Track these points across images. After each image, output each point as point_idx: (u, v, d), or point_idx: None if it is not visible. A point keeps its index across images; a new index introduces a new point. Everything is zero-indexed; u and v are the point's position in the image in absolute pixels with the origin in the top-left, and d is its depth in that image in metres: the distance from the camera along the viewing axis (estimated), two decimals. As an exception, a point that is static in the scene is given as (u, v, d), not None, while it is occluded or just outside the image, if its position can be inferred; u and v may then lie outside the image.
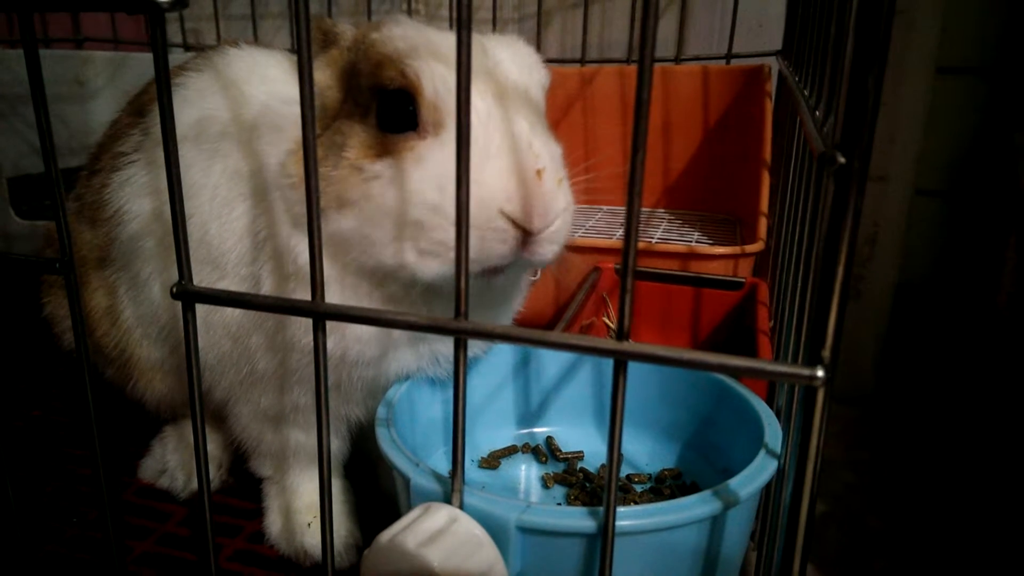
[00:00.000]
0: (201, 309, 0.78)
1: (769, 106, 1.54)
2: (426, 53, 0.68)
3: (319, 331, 0.57)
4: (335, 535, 0.85)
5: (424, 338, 0.79)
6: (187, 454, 0.99)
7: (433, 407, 0.86)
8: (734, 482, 0.63)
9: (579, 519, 0.59)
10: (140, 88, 0.97)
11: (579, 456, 0.91)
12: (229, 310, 0.79)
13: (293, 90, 0.56)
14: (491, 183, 0.64)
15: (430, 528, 0.57)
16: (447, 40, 0.69)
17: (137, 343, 0.93)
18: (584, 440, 0.93)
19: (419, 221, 0.66)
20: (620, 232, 1.55)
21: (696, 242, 1.48)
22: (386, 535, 0.58)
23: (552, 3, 2.06)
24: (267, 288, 0.76)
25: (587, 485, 0.86)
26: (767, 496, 0.76)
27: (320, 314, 0.57)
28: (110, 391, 1.01)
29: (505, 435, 0.94)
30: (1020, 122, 1.78)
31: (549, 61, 1.86)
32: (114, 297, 0.92)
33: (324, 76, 0.75)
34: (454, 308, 0.55)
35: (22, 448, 1.13)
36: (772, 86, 1.59)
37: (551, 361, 0.94)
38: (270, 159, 0.76)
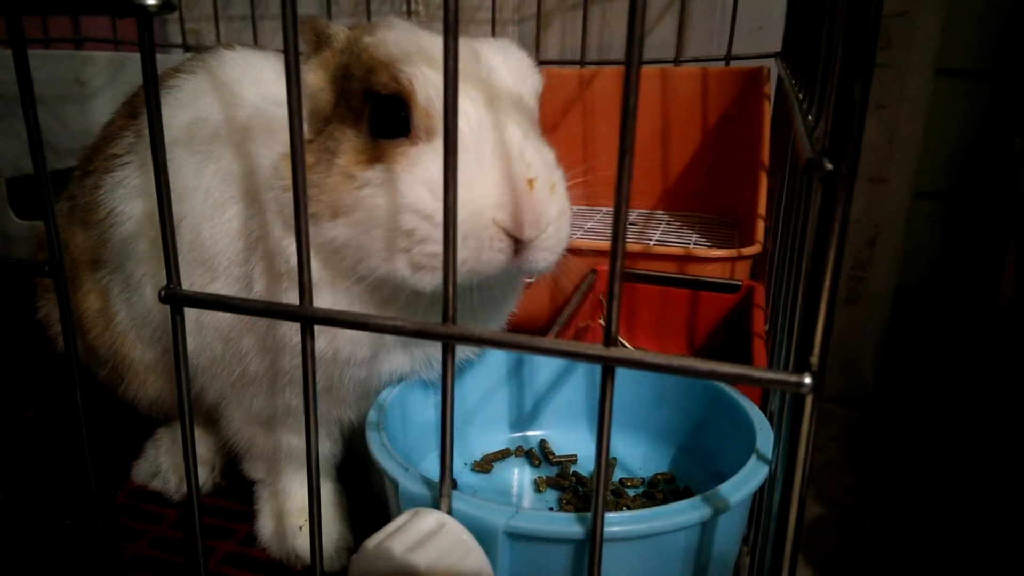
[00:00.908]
0: (194, 311, 0.78)
1: (768, 108, 1.54)
2: (419, 59, 0.68)
3: (307, 335, 0.57)
4: (326, 538, 0.85)
5: (417, 341, 0.79)
6: (180, 456, 0.99)
7: (426, 410, 0.86)
8: (725, 487, 0.63)
9: (567, 525, 0.58)
10: (134, 90, 0.97)
11: (572, 460, 0.90)
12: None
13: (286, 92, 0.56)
14: (482, 191, 0.63)
15: (418, 533, 0.57)
16: (440, 45, 0.68)
17: (131, 345, 0.93)
18: (578, 444, 0.93)
19: (411, 232, 0.65)
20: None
21: (694, 244, 1.48)
22: (373, 540, 0.57)
23: (552, 4, 2.06)
24: (259, 288, 0.76)
25: (580, 489, 0.86)
26: (759, 500, 0.76)
27: (308, 318, 0.56)
28: (103, 393, 1.01)
29: (498, 438, 0.94)
30: (1020, 124, 1.77)
31: (548, 62, 1.88)
32: (107, 299, 0.92)
33: (317, 78, 0.75)
34: (441, 313, 0.54)
35: (17, 449, 1.13)
36: (771, 88, 1.59)
37: (545, 364, 0.94)
38: (263, 161, 0.76)
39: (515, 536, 0.59)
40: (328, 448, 0.88)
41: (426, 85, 0.66)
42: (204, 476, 1.00)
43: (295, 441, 0.85)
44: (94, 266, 0.92)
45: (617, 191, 0.46)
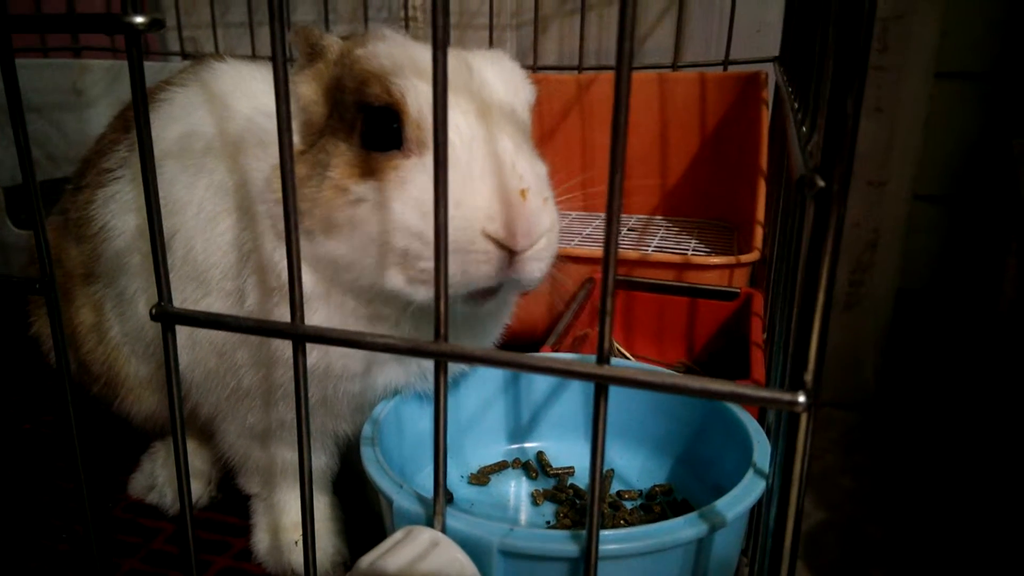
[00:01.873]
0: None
1: (766, 113, 1.54)
2: (411, 71, 0.67)
3: (299, 353, 0.56)
4: (322, 553, 0.84)
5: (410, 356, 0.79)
6: (176, 472, 0.99)
7: (422, 423, 0.85)
8: (721, 503, 0.63)
9: (562, 543, 0.58)
10: (127, 103, 0.97)
11: (569, 472, 0.90)
12: (215, 325, 0.79)
13: None
14: (474, 204, 0.63)
15: (411, 552, 0.57)
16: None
17: (124, 360, 0.92)
18: (575, 455, 0.92)
19: (405, 248, 0.65)
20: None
21: (693, 250, 1.47)
22: (366, 559, 0.57)
23: (549, 10, 2.06)
24: (251, 301, 0.76)
25: (577, 502, 0.85)
26: (757, 513, 0.75)
27: (300, 336, 0.56)
28: (99, 407, 1.01)
29: (495, 450, 0.93)
30: (1019, 127, 1.77)
31: (546, 68, 1.88)
32: (100, 314, 0.92)
33: (310, 90, 0.75)
34: (433, 330, 0.54)
35: (12, 462, 1.13)
36: (769, 93, 1.58)
37: (542, 376, 0.93)
38: (255, 174, 0.75)
39: (510, 554, 0.59)
40: (323, 462, 0.88)
41: (418, 98, 0.66)
42: (200, 490, 0.99)
43: (290, 455, 0.85)
44: (87, 281, 0.92)
45: (608, 209, 0.46)
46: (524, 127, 0.74)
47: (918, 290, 2.04)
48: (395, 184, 0.66)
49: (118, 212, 0.86)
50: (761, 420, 0.78)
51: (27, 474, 1.10)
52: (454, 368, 0.86)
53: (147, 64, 0.56)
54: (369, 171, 0.68)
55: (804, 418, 0.48)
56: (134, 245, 0.85)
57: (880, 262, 2.05)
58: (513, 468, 0.91)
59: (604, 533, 0.57)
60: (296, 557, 0.85)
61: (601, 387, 0.50)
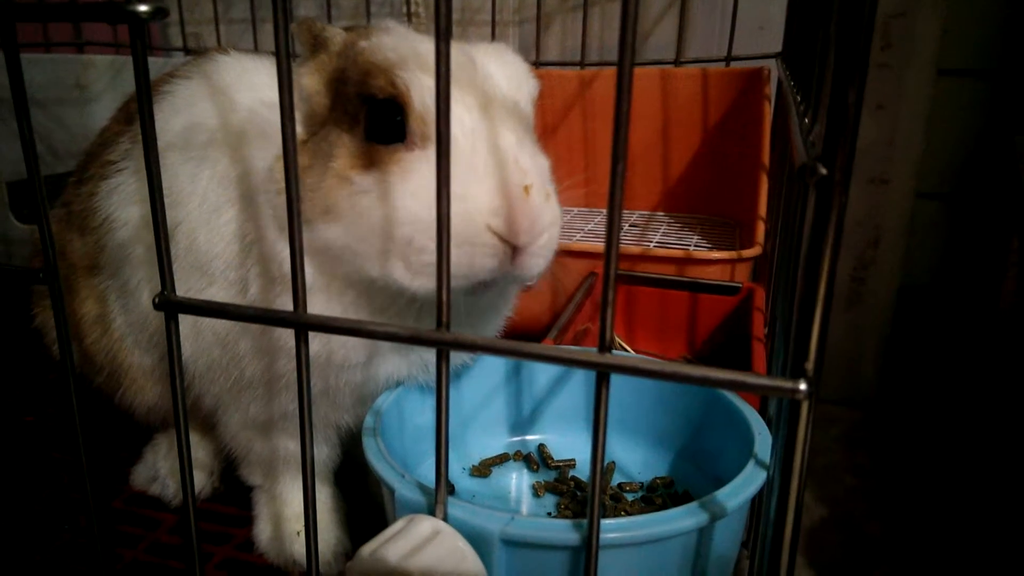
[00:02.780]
0: (191, 316, 0.78)
1: (768, 109, 1.54)
2: (415, 64, 0.68)
3: (301, 342, 0.57)
4: (324, 544, 0.85)
5: (413, 345, 0.79)
6: (178, 461, 0.99)
7: (424, 414, 0.85)
8: (721, 493, 0.63)
9: (563, 531, 0.58)
10: (130, 96, 0.97)
11: (571, 464, 0.90)
12: (218, 315, 0.79)
13: None
14: (477, 198, 0.63)
15: (413, 540, 0.57)
16: None
17: (128, 351, 0.92)
18: (576, 448, 0.92)
19: (407, 239, 0.65)
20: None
21: (695, 246, 1.47)
22: (368, 548, 0.57)
23: (552, 6, 2.06)
24: (254, 291, 0.76)
25: (578, 494, 0.85)
26: (758, 504, 0.75)
27: (302, 325, 0.56)
28: (102, 399, 1.01)
29: (497, 443, 0.93)
30: (1021, 124, 1.77)
31: (549, 64, 1.88)
32: (104, 305, 0.92)
33: (312, 82, 0.75)
34: (435, 319, 0.54)
35: (15, 454, 1.13)
36: (772, 89, 1.58)
37: (543, 368, 0.93)
38: (258, 164, 0.76)
39: (511, 543, 0.59)
40: (325, 453, 0.88)
41: (422, 91, 0.66)
42: (202, 481, 0.99)
43: (292, 446, 0.85)
44: (91, 272, 0.92)
45: (610, 200, 0.46)
46: (527, 121, 0.74)
47: (920, 287, 2.04)
48: (398, 176, 0.66)
49: (121, 203, 0.86)
50: (762, 413, 0.78)
51: (30, 466, 1.10)
52: (456, 360, 0.86)
53: (150, 59, 0.56)
54: (372, 163, 0.68)
55: (805, 406, 0.48)
56: (137, 236, 0.85)
57: (882, 259, 2.05)
58: (515, 460, 0.91)
59: (605, 522, 0.57)
60: (298, 548, 0.86)
61: (602, 375, 0.50)
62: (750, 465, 0.67)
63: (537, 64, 1.80)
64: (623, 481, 0.87)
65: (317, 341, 0.73)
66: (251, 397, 0.81)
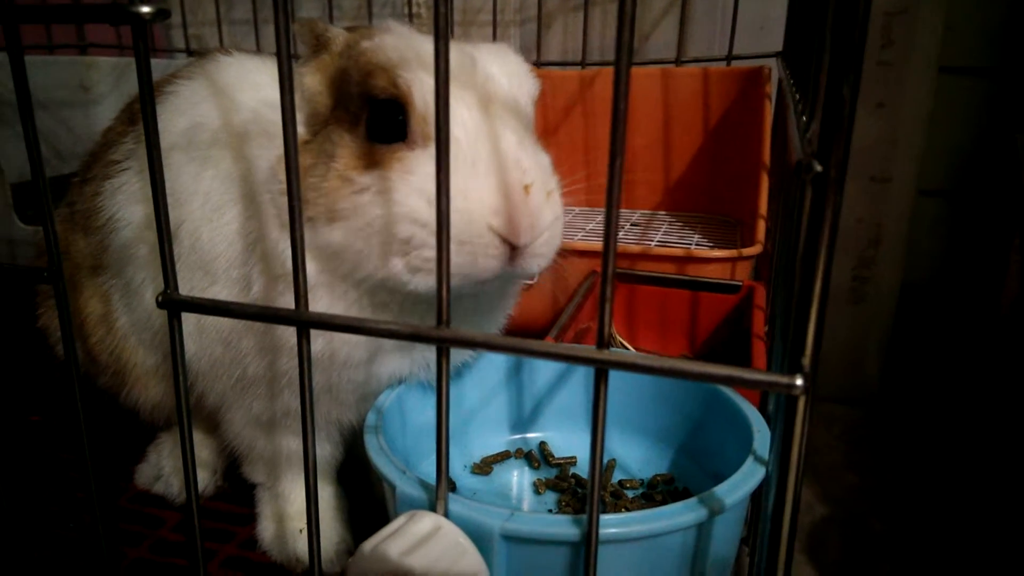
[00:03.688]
0: (194, 315, 0.79)
1: (769, 108, 1.54)
2: (417, 64, 0.68)
3: (303, 339, 0.57)
4: (326, 541, 0.85)
5: (415, 343, 0.79)
6: (182, 460, 0.99)
7: (425, 412, 0.86)
8: (720, 489, 0.63)
9: (563, 527, 0.59)
10: (134, 96, 0.97)
11: (572, 461, 0.90)
12: (221, 313, 0.80)
13: None
14: (478, 198, 0.64)
15: (414, 536, 0.57)
16: None
17: (132, 350, 0.93)
18: (577, 445, 0.93)
19: (408, 237, 0.66)
20: (619, 236, 1.54)
21: (696, 244, 1.47)
22: (369, 543, 0.58)
23: (553, 6, 2.06)
24: (256, 289, 0.77)
25: (579, 491, 0.86)
26: (758, 502, 0.76)
27: (304, 322, 0.57)
28: (107, 398, 1.02)
29: (498, 440, 0.94)
30: (1023, 122, 1.77)
31: (550, 64, 1.88)
32: (108, 304, 0.93)
33: (314, 81, 0.76)
34: (435, 316, 0.54)
35: (20, 453, 1.14)
36: (772, 88, 1.58)
37: (544, 366, 0.94)
38: (260, 163, 0.76)
39: (511, 538, 0.59)
40: (328, 451, 0.89)
41: (423, 91, 0.67)
42: (206, 479, 1.00)
43: (295, 444, 0.86)
44: (95, 272, 0.93)
45: (608, 196, 0.46)
46: (527, 120, 0.74)
47: (922, 285, 2.04)
48: (399, 174, 0.67)
49: (125, 203, 0.87)
50: (763, 411, 0.79)
51: (35, 465, 1.11)
52: (457, 358, 0.87)
53: (153, 61, 0.57)
54: (373, 162, 0.69)
55: (802, 401, 0.49)
56: (141, 235, 0.86)
57: (883, 258, 2.05)
58: (516, 458, 0.92)
59: (604, 517, 0.58)
60: (301, 545, 0.86)
61: (601, 372, 0.50)
62: (749, 461, 0.67)
63: (539, 64, 1.81)
64: (624, 478, 0.87)
65: (320, 339, 0.74)
66: (254, 395, 0.82)
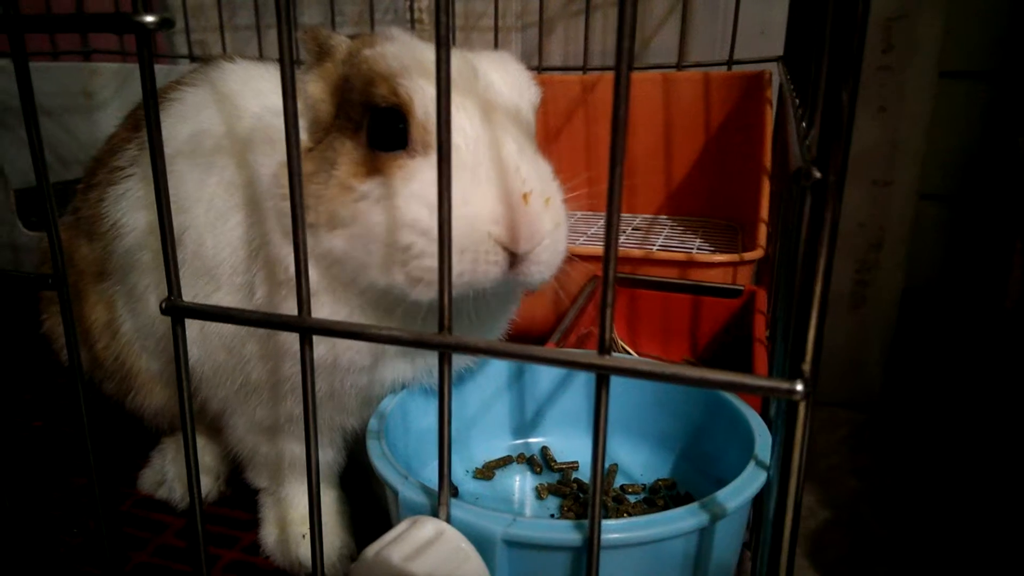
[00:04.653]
0: (197, 321, 0.79)
1: (770, 112, 1.54)
2: (418, 72, 0.68)
3: (306, 345, 0.58)
4: (329, 546, 0.85)
5: (418, 349, 0.80)
6: (185, 465, 1.00)
7: (428, 417, 0.86)
8: (722, 494, 0.63)
9: (565, 532, 0.59)
10: (138, 103, 0.98)
11: (574, 467, 0.91)
12: (224, 320, 0.80)
13: None
14: (478, 206, 0.64)
15: (416, 542, 0.58)
16: None
17: (136, 355, 0.94)
18: (579, 450, 0.93)
19: (408, 246, 0.66)
20: (620, 240, 1.55)
21: (698, 249, 1.48)
22: (372, 549, 0.58)
23: (554, 11, 2.07)
24: (260, 295, 0.77)
25: (581, 496, 0.86)
26: (760, 507, 0.76)
27: (306, 329, 0.57)
28: (110, 404, 1.02)
29: (500, 445, 0.94)
30: (1024, 126, 1.77)
31: (551, 69, 1.89)
32: (113, 311, 0.93)
33: (317, 89, 0.76)
34: (438, 322, 0.55)
35: (24, 458, 1.14)
36: (773, 92, 1.59)
37: (546, 371, 0.94)
38: (263, 170, 0.76)
39: (513, 544, 0.59)
40: (331, 456, 0.89)
41: (424, 99, 0.67)
42: (209, 485, 1.00)
43: (298, 449, 0.86)
44: (99, 278, 0.93)
45: (608, 201, 0.47)
46: (529, 128, 0.75)
47: (924, 289, 2.04)
48: (400, 182, 0.67)
49: (129, 209, 0.88)
50: (764, 415, 0.79)
51: (39, 470, 1.11)
52: (459, 363, 0.87)
53: (155, 67, 0.57)
54: (375, 170, 0.69)
55: (802, 407, 0.49)
56: (144, 242, 0.86)
57: (885, 262, 2.05)
58: (518, 463, 0.92)
59: (606, 522, 0.58)
60: (304, 550, 0.86)
61: (602, 377, 0.51)
62: (750, 466, 0.68)
63: (540, 69, 1.81)
64: (625, 483, 0.88)
65: (323, 345, 0.74)
66: (257, 401, 0.82)
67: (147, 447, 1.07)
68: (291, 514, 0.89)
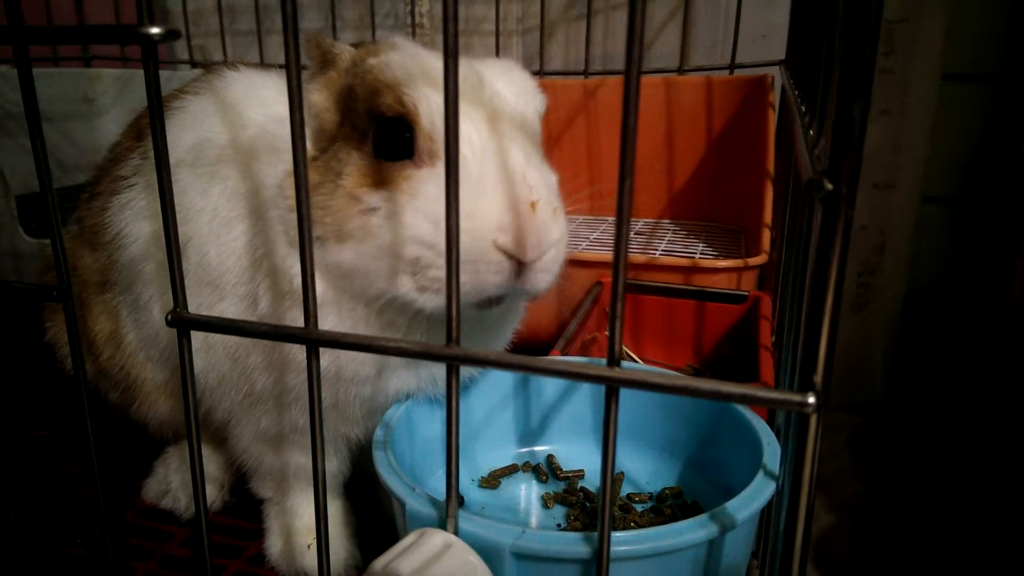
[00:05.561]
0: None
1: (772, 116, 1.54)
2: (423, 82, 0.68)
3: (312, 357, 0.57)
4: (334, 556, 0.85)
5: (421, 360, 0.79)
6: (189, 475, 0.99)
7: (433, 427, 0.86)
8: (731, 505, 0.63)
9: (574, 545, 0.58)
10: (140, 112, 0.98)
11: (580, 475, 0.90)
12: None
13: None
14: (485, 215, 0.64)
15: (424, 554, 0.57)
16: None
17: (141, 365, 0.93)
18: (585, 458, 0.93)
19: (415, 258, 0.66)
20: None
21: (701, 253, 1.47)
22: (380, 562, 0.57)
23: (555, 16, 2.06)
24: (264, 306, 0.77)
25: (587, 505, 0.86)
26: (768, 515, 0.75)
27: (313, 341, 0.57)
28: (114, 414, 1.02)
29: (506, 454, 0.94)
30: (1027, 128, 1.76)
31: (552, 73, 1.89)
32: (116, 321, 0.93)
33: (321, 98, 0.76)
34: (445, 334, 0.54)
35: (28, 468, 1.14)
36: (775, 96, 1.58)
37: (551, 379, 0.93)
38: (268, 179, 0.76)
39: (522, 556, 0.59)
40: (336, 466, 0.89)
41: (430, 109, 0.67)
42: (213, 494, 1.00)
43: (303, 459, 0.86)
44: (103, 288, 0.93)
45: (618, 214, 0.46)
46: (534, 136, 0.74)
47: (927, 292, 2.04)
48: (407, 194, 0.67)
49: (132, 220, 0.87)
50: (770, 422, 0.79)
51: (43, 480, 1.11)
52: (465, 373, 0.87)
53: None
54: (381, 181, 0.69)
55: (814, 419, 0.49)
56: (148, 252, 0.86)
57: (888, 264, 2.04)
58: (523, 471, 0.92)
59: (616, 535, 0.57)
60: (309, 560, 0.86)
61: (612, 389, 0.50)
62: (759, 476, 0.67)
63: (541, 73, 1.81)
64: (632, 492, 0.87)
65: (327, 355, 0.74)
66: (262, 410, 0.82)
67: (151, 456, 1.07)
68: (296, 524, 0.89)
